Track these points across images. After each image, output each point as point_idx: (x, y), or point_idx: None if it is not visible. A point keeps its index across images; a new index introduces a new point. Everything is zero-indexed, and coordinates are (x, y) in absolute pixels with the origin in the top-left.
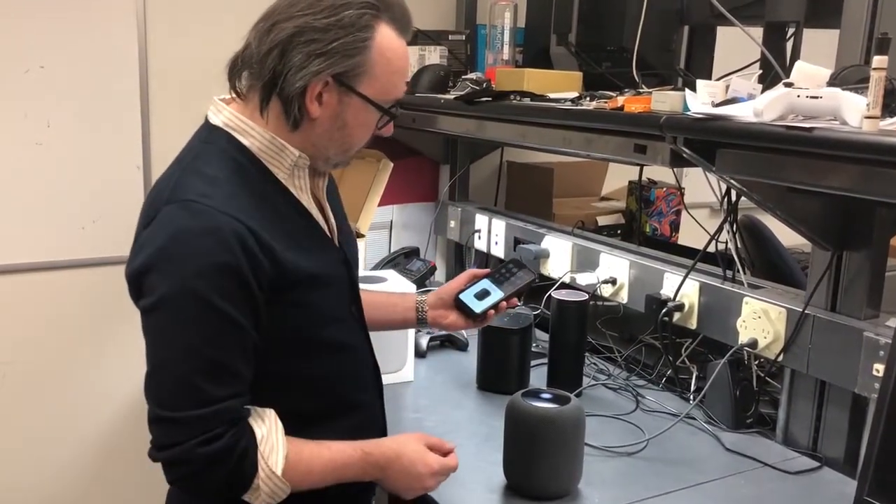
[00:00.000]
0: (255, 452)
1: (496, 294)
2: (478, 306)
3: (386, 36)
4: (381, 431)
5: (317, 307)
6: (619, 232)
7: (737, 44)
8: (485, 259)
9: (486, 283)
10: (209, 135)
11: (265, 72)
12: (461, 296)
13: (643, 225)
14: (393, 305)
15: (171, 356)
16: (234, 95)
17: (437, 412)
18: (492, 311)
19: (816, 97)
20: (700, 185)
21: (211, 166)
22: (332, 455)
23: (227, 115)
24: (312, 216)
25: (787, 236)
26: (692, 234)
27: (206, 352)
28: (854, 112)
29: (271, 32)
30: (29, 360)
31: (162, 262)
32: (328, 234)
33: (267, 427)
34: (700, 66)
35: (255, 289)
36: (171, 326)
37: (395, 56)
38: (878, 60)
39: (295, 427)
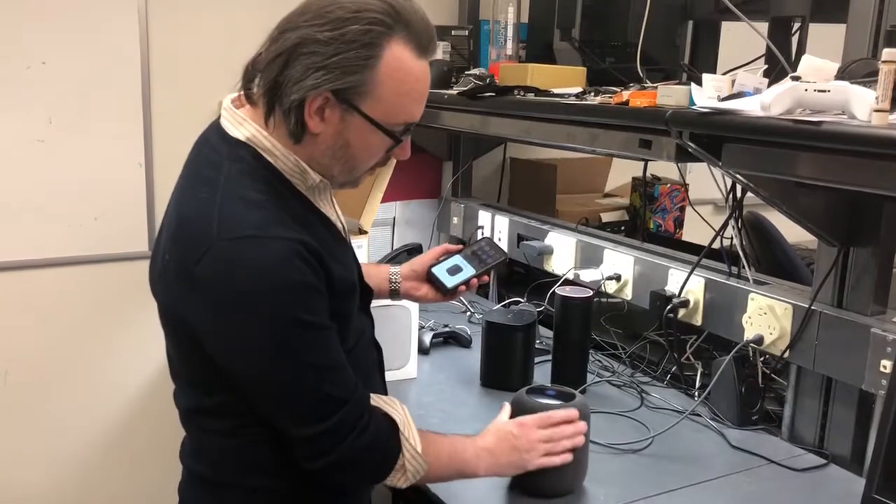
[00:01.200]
0: (398, 434)
1: (468, 271)
2: (449, 281)
3: (397, 55)
4: None
5: (347, 314)
6: (622, 229)
7: (741, 39)
8: None
9: (458, 259)
10: (233, 150)
11: (268, 80)
12: (433, 269)
13: (647, 221)
14: (366, 276)
15: (294, 380)
16: (243, 100)
17: (441, 409)
18: (462, 287)
19: (824, 91)
20: (704, 181)
21: (249, 189)
22: (451, 440)
23: (250, 130)
24: (333, 223)
25: (792, 233)
26: (696, 230)
27: (321, 363)
28: (863, 106)
29: (278, 41)
30: (32, 357)
31: (244, 302)
32: (342, 232)
33: (400, 412)
34: (704, 61)
35: (327, 295)
36: (282, 357)
37: (406, 77)
38: (888, 53)
39: None
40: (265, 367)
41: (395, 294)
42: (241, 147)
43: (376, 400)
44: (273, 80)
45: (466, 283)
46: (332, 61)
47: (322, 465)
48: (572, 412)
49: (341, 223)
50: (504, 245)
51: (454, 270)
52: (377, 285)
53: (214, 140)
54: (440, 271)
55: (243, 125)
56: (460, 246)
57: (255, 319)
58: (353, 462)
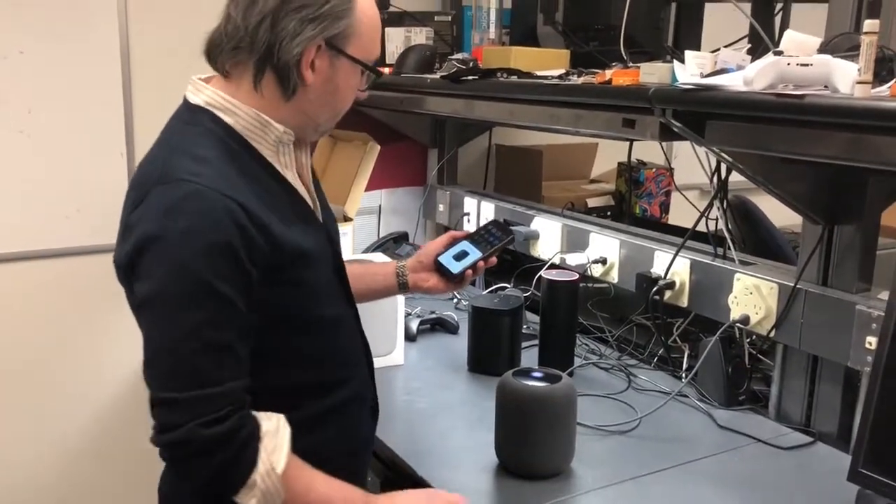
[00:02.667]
0: (258, 445)
1: (474, 254)
2: (455, 267)
3: None
4: (373, 406)
5: (308, 284)
6: (608, 214)
7: (725, 21)
8: None
9: (465, 245)
10: (191, 115)
11: (258, 45)
12: (440, 258)
13: (633, 206)
14: (373, 274)
15: (171, 338)
16: (217, 74)
17: (428, 395)
18: (469, 272)
19: (807, 65)
20: (690, 166)
21: (199, 146)
22: (339, 485)
23: (208, 94)
24: (298, 193)
25: (779, 216)
26: (682, 215)
27: (205, 333)
28: (845, 78)
29: (257, 4)
30: (13, 350)
31: (156, 243)
32: (314, 211)
33: (274, 425)
34: (688, 43)
35: (249, 266)
36: (169, 309)
37: (373, 13)
38: (870, 24)
39: (285, 403)
40: (153, 318)
41: (403, 287)
42: (200, 112)
43: (255, 413)
44: (265, 41)
45: (473, 266)
46: (324, 10)
47: (164, 441)
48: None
49: (312, 201)
50: None
51: (460, 256)
52: (384, 282)
53: (179, 110)
54: (446, 259)
55: (202, 91)
56: (466, 231)
57: (162, 265)
58: (196, 451)
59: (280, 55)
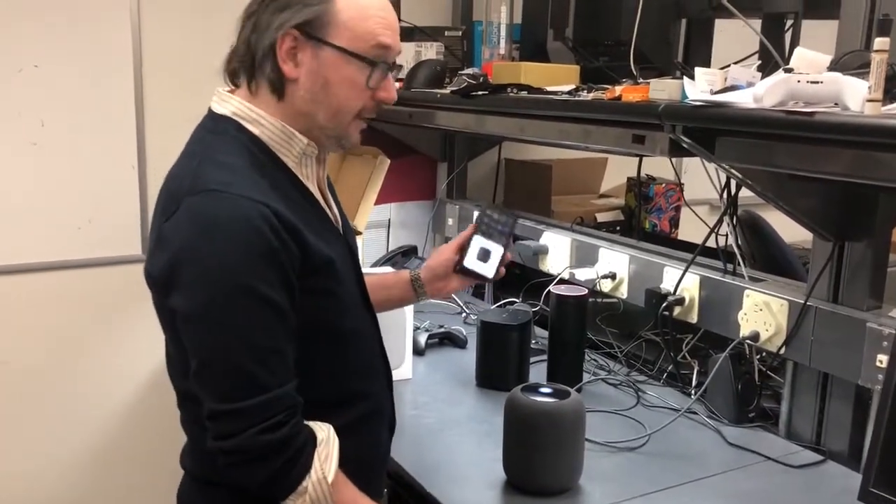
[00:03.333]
0: (313, 452)
1: (496, 249)
2: (488, 270)
3: None
4: (390, 421)
5: (336, 295)
6: (618, 229)
7: (735, 37)
8: None
9: (480, 242)
10: (216, 124)
11: (242, 47)
12: (466, 265)
13: (642, 221)
14: (388, 288)
15: (221, 349)
16: (233, 88)
17: (436, 409)
18: (502, 269)
19: (817, 82)
20: (700, 181)
21: (227, 155)
22: None
23: (234, 104)
24: (320, 204)
25: (789, 232)
26: (692, 230)
27: (255, 340)
28: (855, 96)
29: (246, 12)
30: (24, 361)
31: (195, 254)
32: (334, 222)
33: (325, 434)
34: (698, 59)
35: (290, 271)
36: (216, 320)
37: (364, 2)
38: (880, 42)
39: (307, 415)
40: (200, 330)
41: (422, 296)
42: (225, 121)
43: (308, 422)
44: (245, 43)
45: (502, 261)
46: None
47: (220, 447)
48: None
49: (333, 214)
50: None
51: (484, 256)
52: (401, 293)
53: (204, 120)
54: (474, 264)
55: (228, 101)
56: (469, 229)
57: (204, 277)
58: (254, 457)
59: (256, 52)
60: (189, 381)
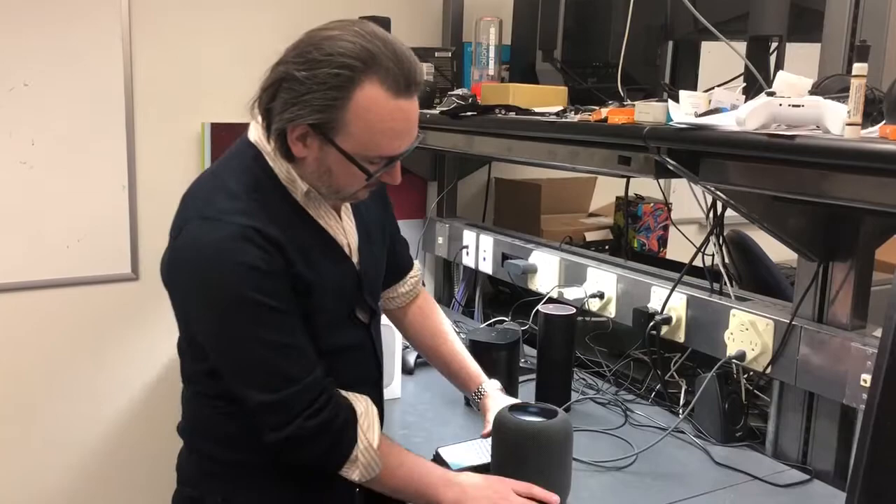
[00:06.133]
0: (356, 425)
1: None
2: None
3: (369, 95)
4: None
5: (309, 318)
6: (606, 248)
7: (721, 59)
8: (473, 276)
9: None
10: (243, 149)
11: (262, 107)
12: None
13: (631, 240)
14: (459, 379)
15: (244, 349)
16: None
17: (425, 429)
18: None
19: (798, 105)
20: (687, 200)
21: (237, 182)
22: (421, 461)
23: (259, 135)
24: (328, 232)
25: (776, 251)
26: (680, 249)
27: (272, 337)
28: (836, 120)
29: (273, 71)
30: (11, 380)
31: (199, 278)
32: (345, 248)
33: (363, 406)
34: (685, 80)
35: (283, 278)
36: (232, 327)
37: (378, 116)
38: (858, 68)
39: None
40: (219, 341)
41: (473, 402)
42: (249, 147)
43: (344, 393)
44: (265, 107)
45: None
46: (304, 99)
47: (276, 438)
48: (555, 498)
49: (347, 240)
50: (489, 265)
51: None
52: (463, 386)
53: (239, 140)
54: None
55: (257, 129)
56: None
57: (207, 294)
58: (305, 441)
59: (271, 123)
60: (227, 383)
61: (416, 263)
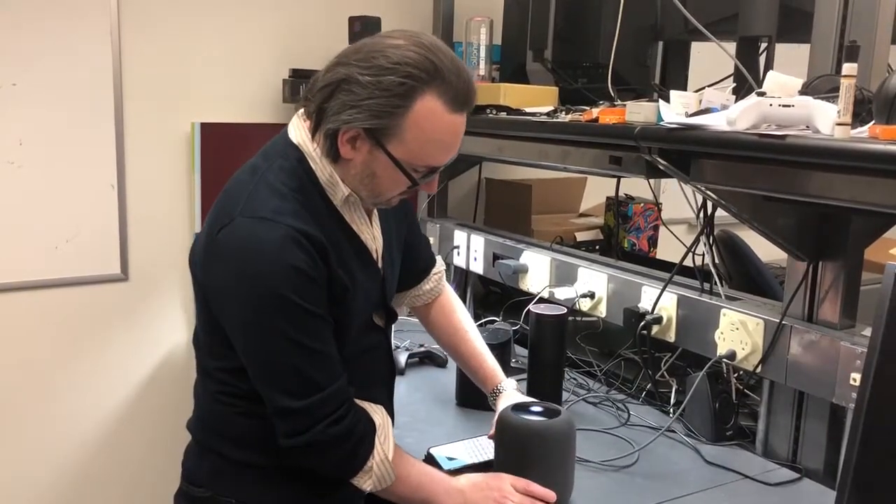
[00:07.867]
0: (374, 436)
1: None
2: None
3: (428, 107)
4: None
5: (340, 323)
6: (597, 248)
7: (711, 59)
8: (464, 275)
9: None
10: (286, 149)
11: (316, 105)
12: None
13: (621, 240)
14: (478, 378)
15: (274, 350)
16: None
17: (417, 429)
18: None
19: (788, 105)
20: (678, 200)
21: (282, 184)
22: (427, 470)
23: (302, 135)
24: (361, 240)
25: (766, 250)
26: (670, 249)
27: (302, 341)
28: (825, 120)
29: (331, 71)
30: (2, 382)
31: (244, 273)
32: (373, 255)
33: (381, 418)
34: (675, 81)
35: (322, 285)
36: (266, 325)
37: (433, 128)
38: (848, 68)
39: None
40: (252, 338)
41: (489, 400)
42: (292, 148)
43: (361, 403)
44: (318, 106)
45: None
46: (366, 104)
47: (294, 443)
48: (551, 494)
49: (375, 246)
50: (479, 265)
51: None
52: (481, 382)
53: (278, 138)
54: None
55: (300, 130)
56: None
57: (248, 291)
58: (324, 448)
59: (323, 122)
60: (252, 381)
61: (439, 259)
